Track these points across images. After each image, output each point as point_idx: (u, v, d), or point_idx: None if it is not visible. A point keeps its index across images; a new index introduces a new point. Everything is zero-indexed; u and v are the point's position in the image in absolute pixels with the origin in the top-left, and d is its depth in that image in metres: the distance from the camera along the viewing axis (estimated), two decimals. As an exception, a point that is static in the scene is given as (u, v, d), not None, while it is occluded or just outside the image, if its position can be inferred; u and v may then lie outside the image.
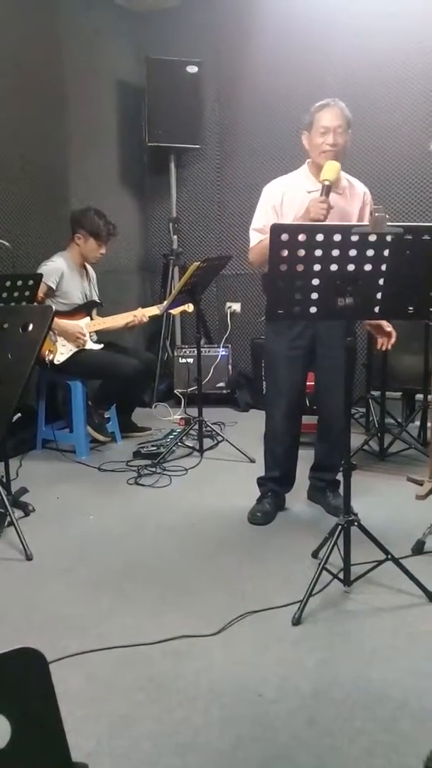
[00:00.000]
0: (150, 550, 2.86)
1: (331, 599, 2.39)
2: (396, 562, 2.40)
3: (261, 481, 3.21)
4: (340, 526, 2.38)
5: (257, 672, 2.04)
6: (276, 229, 2.17)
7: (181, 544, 2.90)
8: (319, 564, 2.37)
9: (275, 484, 3.15)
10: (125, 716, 1.86)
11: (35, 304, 3.15)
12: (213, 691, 1.96)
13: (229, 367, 5.21)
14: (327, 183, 2.71)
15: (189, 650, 2.15)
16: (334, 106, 2.82)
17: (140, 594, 2.50)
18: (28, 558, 2.75)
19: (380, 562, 2.42)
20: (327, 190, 2.71)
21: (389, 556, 2.40)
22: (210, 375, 5.08)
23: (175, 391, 5.14)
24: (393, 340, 2.95)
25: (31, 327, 1.38)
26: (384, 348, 3.01)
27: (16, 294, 2.88)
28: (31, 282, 2.94)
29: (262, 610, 2.34)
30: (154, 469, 3.75)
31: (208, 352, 5.10)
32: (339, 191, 2.89)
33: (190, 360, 5.07)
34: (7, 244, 3.21)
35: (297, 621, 2.25)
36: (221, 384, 5.17)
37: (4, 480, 3.10)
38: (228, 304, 5.44)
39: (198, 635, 2.20)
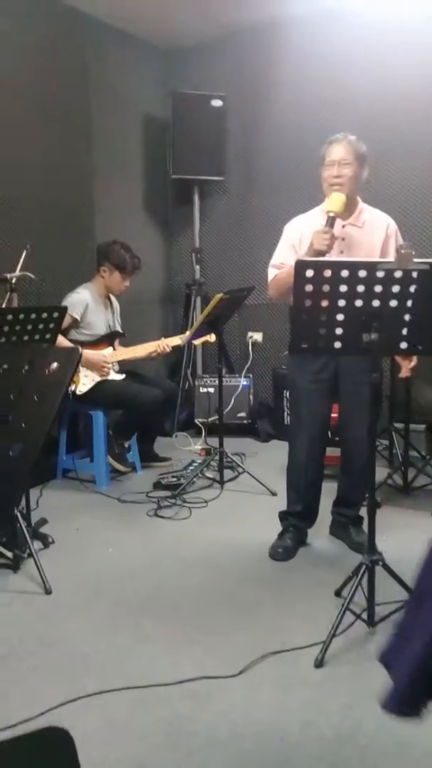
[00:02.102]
0: (169, 586, 2.82)
1: (355, 640, 2.33)
2: (422, 603, 2.33)
3: (283, 516, 3.17)
4: (364, 566, 2.33)
5: (279, 716, 1.99)
6: (301, 265, 2.17)
7: (200, 580, 2.86)
8: (343, 604, 2.32)
9: (297, 519, 3.11)
10: (143, 760, 1.82)
11: (59, 335, 3.18)
12: (233, 735, 1.91)
13: (250, 396, 5.19)
14: (331, 214, 2.73)
15: (209, 691, 2.10)
16: (342, 140, 2.87)
17: (159, 631, 2.46)
18: (47, 592, 2.73)
19: (405, 603, 2.35)
20: (331, 221, 2.72)
21: (415, 597, 2.34)
22: (231, 405, 5.07)
23: (196, 421, 5.13)
24: (412, 364, 2.90)
25: (55, 365, 1.38)
26: (404, 375, 2.95)
27: (41, 326, 2.89)
28: (56, 314, 2.95)
29: (283, 650, 2.29)
30: (174, 501, 3.72)
31: (230, 381, 5.09)
32: (359, 225, 2.89)
33: (211, 390, 5.06)
34: (32, 276, 3.24)
35: (320, 663, 2.20)
36: (242, 414, 5.14)
37: (24, 511, 3.09)
38: (249, 333, 5.44)
39: (218, 676, 2.16)
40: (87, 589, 2.79)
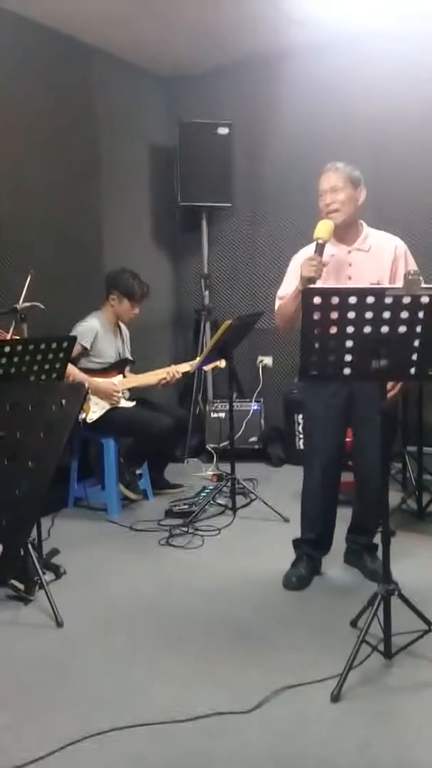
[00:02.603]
0: (181, 617, 2.79)
1: (372, 673, 2.28)
2: (439, 633, 2.29)
3: (296, 544, 3.13)
4: (379, 596, 2.29)
5: (295, 754, 1.95)
6: (308, 293, 2.16)
7: (213, 611, 2.82)
8: (359, 636, 2.27)
9: (311, 548, 3.07)
10: (157, 802, 1.78)
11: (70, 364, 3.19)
12: (249, 774, 1.87)
13: (262, 421, 5.16)
14: (320, 241, 2.75)
15: (223, 728, 2.06)
16: (329, 168, 2.91)
17: (172, 665, 2.42)
18: (59, 624, 2.70)
19: (423, 634, 2.32)
20: (321, 248, 2.74)
21: (431, 628, 2.30)
22: (242, 430, 5.04)
23: (208, 447, 5.11)
24: (396, 389, 2.86)
25: (64, 402, 1.38)
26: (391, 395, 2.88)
27: (50, 356, 2.89)
28: (65, 344, 2.96)
29: (299, 684, 2.25)
30: (186, 529, 3.69)
31: (240, 406, 5.07)
32: (365, 249, 2.90)
33: (222, 415, 5.04)
34: (41, 306, 3.26)
35: (336, 698, 2.15)
36: (253, 439, 5.11)
37: (35, 542, 3.07)
38: (260, 357, 5.43)
39: (232, 712, 2.12)
40: (99, 622, 2.75)
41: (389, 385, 2.85)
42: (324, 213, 2.87)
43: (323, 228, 2.79)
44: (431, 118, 4.49)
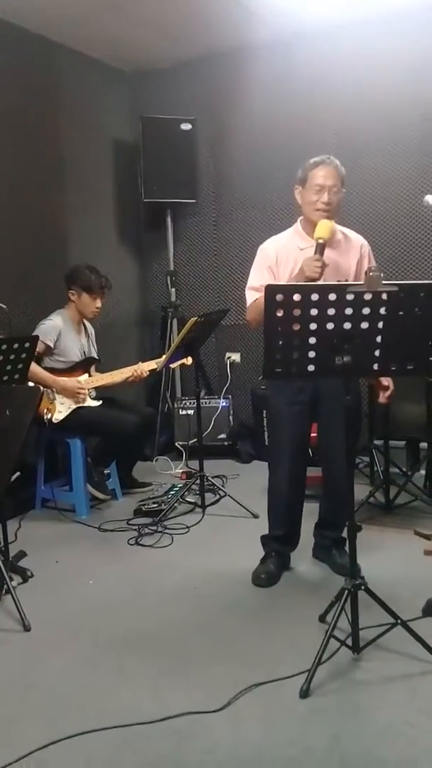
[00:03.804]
0: (150, 618, 2.77)
1: (340, 668, 2.29)
2: (406, 626, 2.31)
3: (265, 540, 3.13)
4: (346, 591, 2.30)
5: (264, 752, 1.94)
6: (271, 290, 2.16)
7: (182, 611, 2.81)
8: (327, 630, 2.28)
9: (279, 544, 3.07)
10: (126, 807, 1.76)
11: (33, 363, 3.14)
12: (218, 774, 1.86)
13: (230, 418, 5.17)
14: (321, 241, 2.70)
15: (192, 728, 2.05)
16: (329, 163, 2.84)
17: (140, 667, 2.40)
18: (26, 629, 2.66)
19: (390, 627, 2.33)
20: (321, 248, 2.70)
21: (399, 621, 2.31)
22: (211, 427, 5.04)
23: (177, 444, 5.09)
24: (388, 393, 2.90)
25: (17, 407, 1.34)
26: (384, 402, 2.97)
27: (12, 356, 2.85)
28: (27, 344, 2.91)
29: (268, 681, 2.24)
30: (155, 528, 3.67)
31: (209, 403, 5.06)
32: (334, 246, 2.89)
33: (191, 412, 5.02)
34: (3, 306, 3.21)
35: (305, 694, 2.16)
36: (222, 435, 5.11)
37: (2, 546, 3.03)
38: (228, 354, 5.42)
39: (201, 711, 2.11)
40: (67, 626, 2.72)
41: (385, 383, 2.88)
42: (313, 208, 2.82)
43: (325, 228, 2.73)
44: (395, 110, 4.53)
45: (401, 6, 4.32)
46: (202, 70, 5.16)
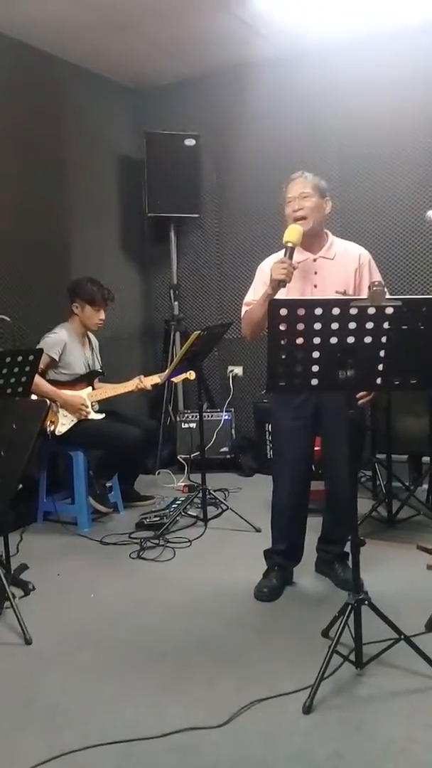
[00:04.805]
0: (153, 632, 2.76)
1: (343, 684, 2.28)
2: (409, 642, 2.30)
3: (267, 554, 3.12)
4: (349, 606, 2.29)
5: (267, 767, 1.93)
6: (274, 304, 2.17)
7: (184, 625, 2.80)
8: (330, 646, 2.27)
9: (282, 558, 3.06)
10: None
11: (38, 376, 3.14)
12: (220, 791, 1.85)
13: (233, 431, 5.17)
14: (289, 245, 2.77)
15: (194, 744, 2.04)
16: (298, 176, 2.94)
17: (143, 681, 2.39)
18: (27, 642, 2.65)
19: (393, 643, 2.32)
20: (290, 252, 2.76)
21: (402, 636, 2.31)
22: (213, 440, 5.03)
23: (179, 457, 5.09)
24: (368, 398, 2.86)
25: (24, 420, 1.35)
26: (362, 404, 2.90)
27: (16, 370, 2.84)
28: (31, 357, 2.92)
29: (270, 697, 2.23)
30: (157, 542, 3.66)
31: (211, 416, 5.07)
32: (330, 257, 2.93)
33: (193, 425, 5.03)
34: (7, 318, 3.22)
35: (308, 710, 2.14)
36: (225, 449, 5.11)
37: (3, 558, 3.02)
38: (230, 367, 5.44)
39: (203, 727, 2.10)
40: (69, 639, 2.71)
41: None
42: (291, 219, 2.89)
43: (293, 232, 2.80)
44: (398, 127, 4.57)
45: (401, 25, 4.37)
46: (205, 87, 5.22)
